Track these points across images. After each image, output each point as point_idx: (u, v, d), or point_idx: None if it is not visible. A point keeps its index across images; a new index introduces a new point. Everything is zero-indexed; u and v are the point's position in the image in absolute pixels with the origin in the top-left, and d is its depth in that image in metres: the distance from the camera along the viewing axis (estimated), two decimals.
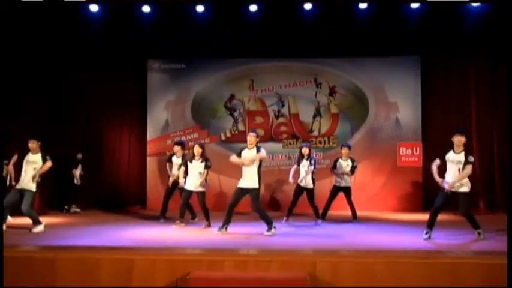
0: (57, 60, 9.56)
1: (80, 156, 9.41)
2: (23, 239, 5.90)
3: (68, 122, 9.86)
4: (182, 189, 7.27)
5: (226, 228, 6.48)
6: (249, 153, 6.43)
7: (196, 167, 7.08)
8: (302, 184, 7.57)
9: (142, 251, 5.06)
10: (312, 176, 7.58)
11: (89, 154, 9.66)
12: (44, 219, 7.01)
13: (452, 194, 5.96)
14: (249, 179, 6.35)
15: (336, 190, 7.90)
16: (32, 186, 6.65)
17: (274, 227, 6.38)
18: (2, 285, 4.36)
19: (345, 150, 7.97)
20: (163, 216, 7.79)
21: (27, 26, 8.49)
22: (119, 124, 10.23)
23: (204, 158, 7.13)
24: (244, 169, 6.42)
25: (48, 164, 6.73)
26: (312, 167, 7.50)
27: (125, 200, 9.97)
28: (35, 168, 6.67)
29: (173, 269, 4.51)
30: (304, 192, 7.62)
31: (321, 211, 7.69)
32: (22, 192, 6.67)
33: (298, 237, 6.31)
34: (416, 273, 4.45)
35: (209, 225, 7.01)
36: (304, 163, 7.57)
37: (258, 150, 6.39)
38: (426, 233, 6.04)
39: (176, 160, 7.78)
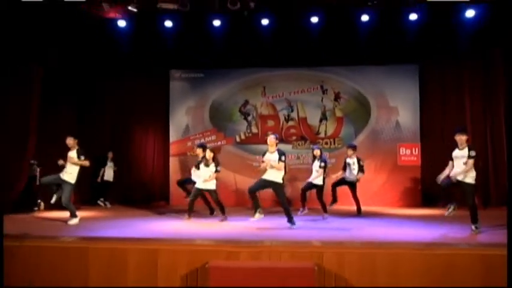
0: (90, 69, 9.68)
1: (111, 154, 9.49)
2: (59, 231, 5.96)
3: (98, 126, 9.96)
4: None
5: (260, 212, 6.42)
6: (271, 157, 6.31)
7: (209, 169, 7.07)
8: (312, 181, 7.58)
9: (165, 242, 5.07)
10: (324, 175, 7.56)
11: (117, 155, 9.75)
12: (79, 213, 7.09)
13: (458, 182, 5.81)
14: (273, 174, 6.26)
15: (343, 180, 7.86)
16: (71, 179, 6.72)
17: (295, 222, 6.34)
18: (2, 285, 4.37)
19: (349, 151, 7.90)
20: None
21: (67, 34, 8.64)
22: (144, 127, 10.31)
23: (216, 162, 7.12)
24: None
25: (86, 162, 6.80)
26: (322, 170, 7.49)
27: (150, 196, 10.04)
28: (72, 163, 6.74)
29: (193, 259, 4.52)
30: (314, 189, 7.61)
31: (326, 207, 7.59)
32: (61, 182, 6.70)
33: (308, 230, 6.26)
34: (415, 264, 4.41)
35: (225, 219, 7.00)
36: (316, 163, 7.59)
37: (280, 154, 6.25)
38: (449, 208, 5.97)
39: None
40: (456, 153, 5.98)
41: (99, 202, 9.33)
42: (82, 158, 6.78)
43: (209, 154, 7.11)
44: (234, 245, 4.85)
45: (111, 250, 4.71)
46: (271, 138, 6.42)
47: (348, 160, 7.86)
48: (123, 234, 5.71)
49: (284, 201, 6.38)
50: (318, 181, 7.52)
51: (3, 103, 7.69)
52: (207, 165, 7.07)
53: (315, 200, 7.65)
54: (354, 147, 7.99)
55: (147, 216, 7.76)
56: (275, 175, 6.27)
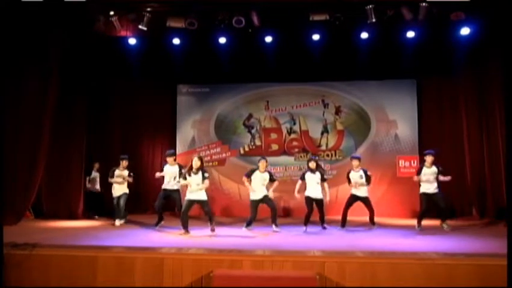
0: (102, 84, 9.77)
1: (97, 165, 9.17)
2: (67, 240, 5.95)
3: (108, 137, 9.96)
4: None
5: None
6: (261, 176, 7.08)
7: (198, 177, 6.58)
8: (313, 196, 7.08)
9: (171, 251, 5.05)
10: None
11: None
12: (86, 223, 7.08)
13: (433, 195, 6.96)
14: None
15: (353, 199, 7.32)
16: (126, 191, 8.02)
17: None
18: (2, 285, 4.37)
19: (355, 162, 7.38)
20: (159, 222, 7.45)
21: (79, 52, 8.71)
22: (152, 139, 10.34)
23: (202, 170, 6.62)
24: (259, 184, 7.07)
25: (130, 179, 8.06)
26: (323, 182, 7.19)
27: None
28: (124, 178, 7.92)
29: (198, 268, 4.50)
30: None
31: (324, 218, 7.28)
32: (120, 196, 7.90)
33: (309, 239, 6.22)
34: (414, 273, 4.36)
35: (213, 230, 6.58)
36: (314, 176, 7.13)
37: (271, 176, 7.18)
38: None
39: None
40: (427, 170, 7.01)
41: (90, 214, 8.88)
42: (132, 174, 8.22)
43: (196, 162, 6.55)
44: (238, 254, 4.82)
45: (119, 259, 4.69)
46: (263, 162, 7.15)
47: (353, 173, 7.34)
48: (131, 243, 5.69)
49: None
50: (321, 195, 7.15)
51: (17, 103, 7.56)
52: (194, 173, 6.55)
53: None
54: (359, 159, 7.44)
55: (152, 227, 7.71)
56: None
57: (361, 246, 5.54)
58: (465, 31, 8.06)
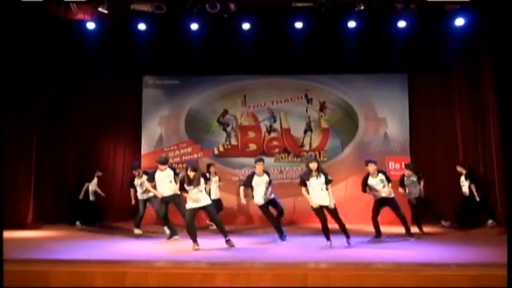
0: (54, 75, 9.54)
1: (99, 174, 9.35)
2: (13, 252, 5.80)
3: (62, 136, 9.77)
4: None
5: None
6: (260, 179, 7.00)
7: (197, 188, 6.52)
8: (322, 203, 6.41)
9: (134, 264, 5.00)
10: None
11: (83, 168, 9.61)
12: (36, 233, 6.91)
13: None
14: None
15: (380, 204, 7.25)
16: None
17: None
18: (2, 285, 4.32)
19: (371, 167, 7.01)
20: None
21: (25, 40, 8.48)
22: (113, 139, 10.22)
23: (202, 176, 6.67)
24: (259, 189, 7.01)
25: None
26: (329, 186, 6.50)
27: (118, 214, 9.86)
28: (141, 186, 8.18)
29: (165, 282, 4.46)
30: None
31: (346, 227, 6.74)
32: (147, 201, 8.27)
33: (291, 250, 6.26)
34: (403, 285, 4.44)
35: (228, 242, 6.50)
36: (317, 180, 6.40)
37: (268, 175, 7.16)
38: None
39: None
40: (372, 180, 7.15)
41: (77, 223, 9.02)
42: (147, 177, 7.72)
43: (190, 174, 6.43)
44: (210, 266, 4.81)
45: (75, 273, 4.61)
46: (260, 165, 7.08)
47: (372, 180, 7.12)
48: (88, 256, 5.61)
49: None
50: (332, 202, 6.45)
51: None
52: (195, 185, 6.45)
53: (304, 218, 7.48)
54: (375, 163, 7.10)
55: (114, 237, 7.64)
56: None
57: (347, 257, 5.62)
58: (459, 22, 8.28)
